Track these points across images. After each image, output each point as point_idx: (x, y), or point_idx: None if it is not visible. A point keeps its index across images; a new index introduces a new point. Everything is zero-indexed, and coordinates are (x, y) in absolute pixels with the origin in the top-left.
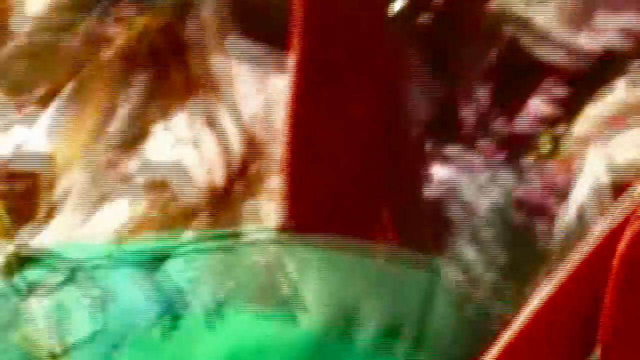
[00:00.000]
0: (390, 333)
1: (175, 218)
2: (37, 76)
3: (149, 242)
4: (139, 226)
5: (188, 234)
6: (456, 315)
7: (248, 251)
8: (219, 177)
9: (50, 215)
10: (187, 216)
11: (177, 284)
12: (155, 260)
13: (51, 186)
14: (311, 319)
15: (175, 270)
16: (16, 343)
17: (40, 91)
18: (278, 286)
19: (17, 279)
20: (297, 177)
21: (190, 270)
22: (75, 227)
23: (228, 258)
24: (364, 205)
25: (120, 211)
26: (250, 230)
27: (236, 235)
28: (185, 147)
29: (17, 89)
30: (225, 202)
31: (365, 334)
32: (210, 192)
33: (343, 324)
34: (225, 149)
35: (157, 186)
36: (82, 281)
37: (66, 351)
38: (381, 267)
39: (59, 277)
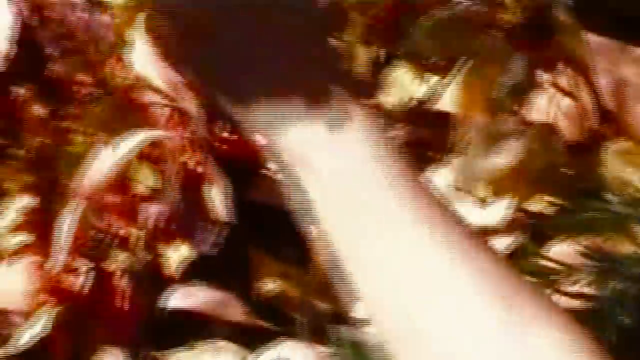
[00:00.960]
0: None
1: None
2: (437, 48)
3: None
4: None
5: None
6: None
7: None
8: (576, 133)
9: (453, 151)
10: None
11: None
12: None
13: (454, 129)
14: None
15: None
16: None
17: (436, 60)
18: None
19: None
20: None
21: None
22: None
23: None
24: None
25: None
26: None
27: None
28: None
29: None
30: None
31: None
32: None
33: None
34: (583, 113)
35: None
36: None
37: None
38: None
39: None
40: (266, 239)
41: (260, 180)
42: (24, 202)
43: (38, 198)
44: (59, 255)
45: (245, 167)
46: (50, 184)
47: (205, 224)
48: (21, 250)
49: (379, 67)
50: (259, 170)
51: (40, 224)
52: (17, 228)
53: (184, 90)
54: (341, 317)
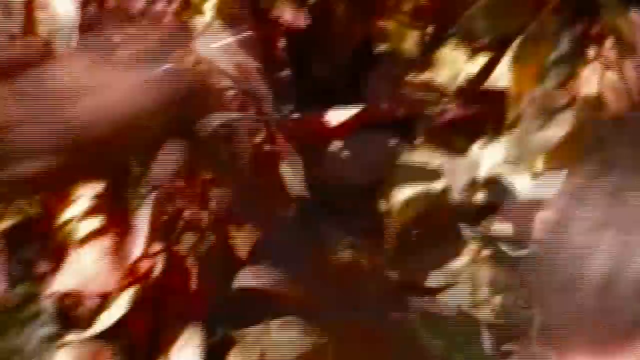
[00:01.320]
0: None
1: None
2: (491, 27)
3: None
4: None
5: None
6: None
7: None
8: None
9: (506, 126)
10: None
11: None
12: None
13: (506, 105)
14: None
15: None
16: None
17: (489, 39)
18: None
19: None
20: None
21: None
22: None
23: None
24: None
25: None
26: None
27: None
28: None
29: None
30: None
31: None
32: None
33: None
34: (628, 86)
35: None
36: None
37: None
38: None
39: None
40: (336, 213)
41: (328, 156)
42: (95, 188)
43: (108, 184)
44: (138, 241)
45: (314, 145)
46: (120, 170)
47: (277, 202)
48: (94, 235)
49: (429, 45)
50: (326, 147)
51: (111, 209)
52: (89, 213)
53: (252, 72)
54: (414, 287)
